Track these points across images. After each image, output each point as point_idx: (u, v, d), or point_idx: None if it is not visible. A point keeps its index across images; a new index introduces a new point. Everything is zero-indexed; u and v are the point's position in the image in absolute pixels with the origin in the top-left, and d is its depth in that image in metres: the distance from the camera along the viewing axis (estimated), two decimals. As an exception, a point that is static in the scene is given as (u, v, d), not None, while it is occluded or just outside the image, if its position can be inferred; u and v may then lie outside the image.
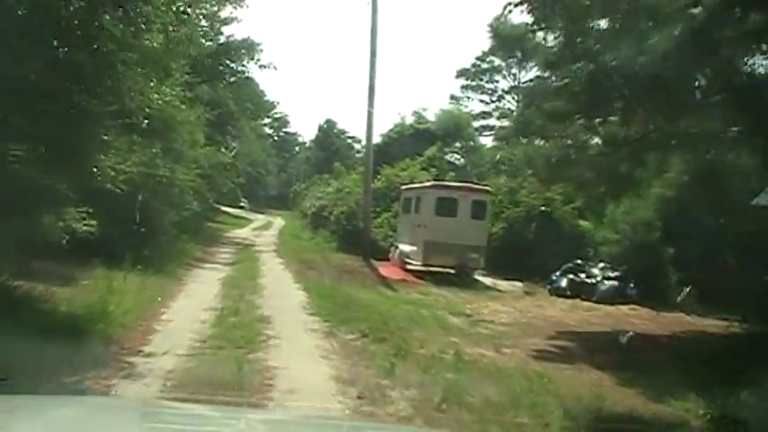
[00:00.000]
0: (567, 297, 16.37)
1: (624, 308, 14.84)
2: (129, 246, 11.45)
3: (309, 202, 32.96)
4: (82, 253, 10.07)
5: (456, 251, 17.46)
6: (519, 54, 10.95)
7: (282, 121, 73.09)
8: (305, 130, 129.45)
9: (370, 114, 20.10)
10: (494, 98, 54.91)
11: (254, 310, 9.97)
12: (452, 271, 17.93)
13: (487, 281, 18.35)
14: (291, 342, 7.98)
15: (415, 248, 18.34)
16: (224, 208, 48.94)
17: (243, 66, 28.32)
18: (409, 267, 18.34)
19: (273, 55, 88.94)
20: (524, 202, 20.27)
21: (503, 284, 18.01)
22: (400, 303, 12.39)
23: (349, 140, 63.89)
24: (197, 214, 25.76)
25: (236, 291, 12.02)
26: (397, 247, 19.44)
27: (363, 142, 53.89)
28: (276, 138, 72.15)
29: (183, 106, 14.43)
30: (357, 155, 50.76)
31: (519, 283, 18.48)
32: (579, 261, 18.01)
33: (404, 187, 21.14)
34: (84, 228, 9.24)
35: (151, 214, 13.17)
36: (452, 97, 52.59)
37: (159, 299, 10.25)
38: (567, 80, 10.15)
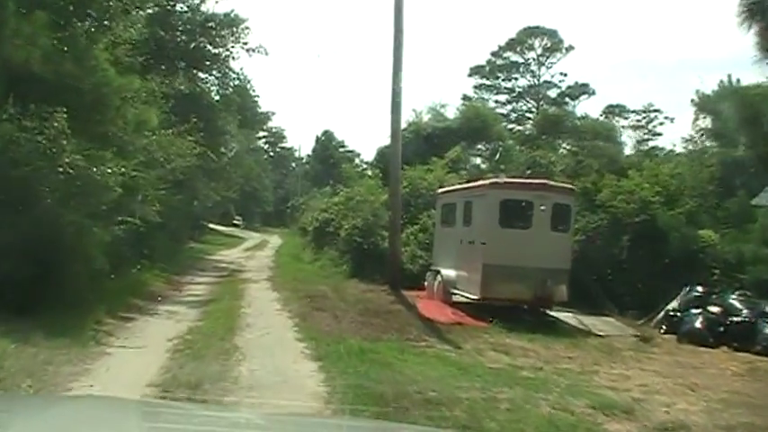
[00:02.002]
0: (708, 346, 10.88)
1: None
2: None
3: (311, 216, 27.76)
4: None
5: (532, 278, 11.89)
6: None
7: (278, 136, 68.74)
8: (301, 142, 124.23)
9: (396, 92, 14.66)
10: (510, 98, 49.68)
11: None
12: (513, 304, 12.47)
13: (566, 317, 12.87)
14: None
15: (466, 274, 12.78)
16: (214, 226, 44.26)
17: (227, 50, 22.88)
18: (456, 300, 12.91)
19: (269, 61, 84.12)
20: (610, 206, 14.71)
21: (591, 323, 12.52)
22: (491, 385, 6.78)
23: (348, 153, 59.59)
24: (171, 232, 20.30)
25: (190, 369, 6.47)
26: (437, 273, 13.87)
27: (362, 156, 49.71)
28: (272, 154, 67.87)
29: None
30: (356, 169, 45.85)
31: (610, 320, 13.07)
32: (701, 288, 12.57)
33: (441, 191, 15.56)
34: None
35: (51, 231, 7.64)
36: (465, 97, 47.14)
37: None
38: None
